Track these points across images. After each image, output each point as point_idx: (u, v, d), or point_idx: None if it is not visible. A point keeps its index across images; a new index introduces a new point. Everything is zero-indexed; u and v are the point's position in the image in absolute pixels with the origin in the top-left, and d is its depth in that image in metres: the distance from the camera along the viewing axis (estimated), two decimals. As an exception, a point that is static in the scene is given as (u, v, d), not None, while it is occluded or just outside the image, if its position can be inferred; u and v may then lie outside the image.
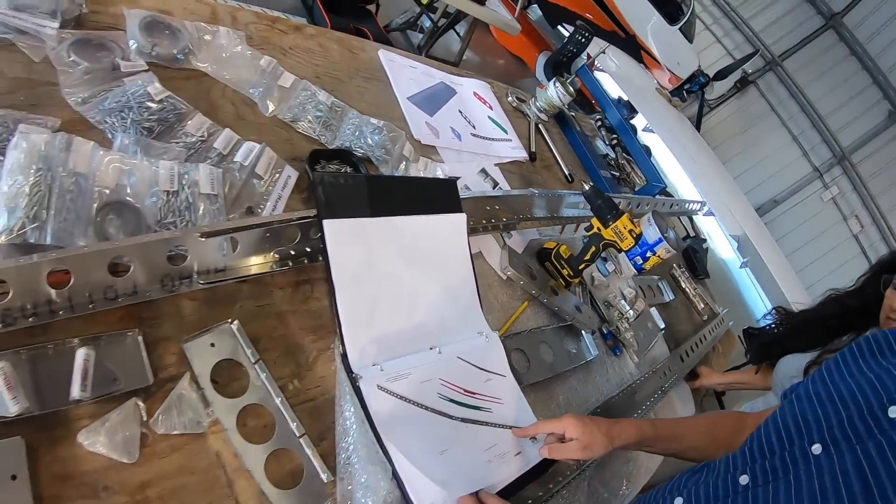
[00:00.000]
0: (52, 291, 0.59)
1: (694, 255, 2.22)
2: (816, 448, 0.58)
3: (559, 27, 3.94)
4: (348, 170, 1.09)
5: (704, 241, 2.50)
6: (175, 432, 0.62)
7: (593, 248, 1.24)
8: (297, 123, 1.10)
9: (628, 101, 2.63)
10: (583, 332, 1.27)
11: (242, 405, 0.68)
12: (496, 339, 1.00)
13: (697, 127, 5.01)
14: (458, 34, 3.48)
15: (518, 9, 3.42)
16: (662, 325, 1.53)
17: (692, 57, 4.96)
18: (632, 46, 4.33)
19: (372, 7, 2.95)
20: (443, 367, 0.89)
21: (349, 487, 0.69)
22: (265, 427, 0.69)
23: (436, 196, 1.05)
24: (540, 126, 1.92)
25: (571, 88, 1.89)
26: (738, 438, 0.76)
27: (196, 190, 0.81)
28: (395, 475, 0.71)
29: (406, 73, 1.54)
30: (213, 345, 0.70)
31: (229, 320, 0.73)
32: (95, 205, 0.68)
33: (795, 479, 0.58)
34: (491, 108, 1.77)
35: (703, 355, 1.69)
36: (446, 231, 1.03)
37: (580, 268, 1.27)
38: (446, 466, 0.77)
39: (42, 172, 0.64)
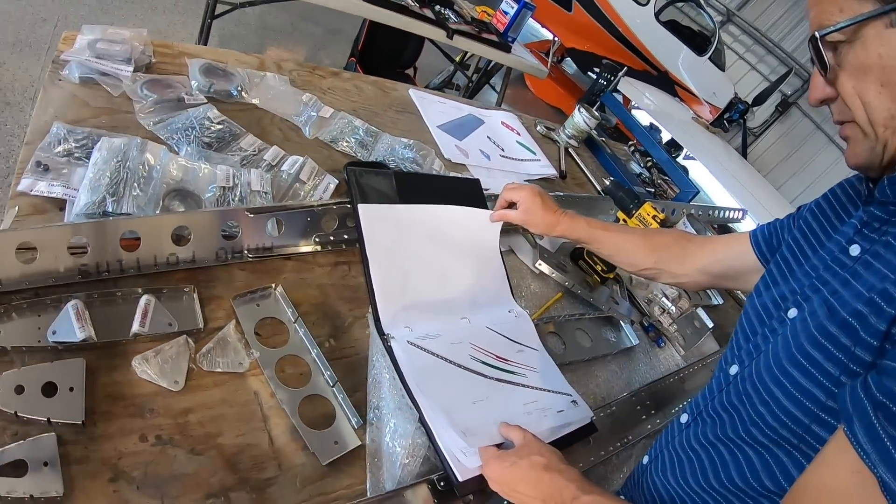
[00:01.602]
0: (124, 254, 0.71)
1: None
2: (792, 312, 0.59)
3: (590, 73, 4.09)
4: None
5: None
6: (218, 370, 0.69)
7: (623, 240, 1.26)
8: (337, 144, 1.24)
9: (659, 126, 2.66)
10: (622, 322, 1.26)
11: (281, 355, 0.75)
12: (526, 316, 1.03)
13: (744, 155, 4.91)
14: (494, 89, 3.69)
15: (550, 62, 3.62)
16: (711, 325, 1.48)
17: (727, 85, 4.94)
18: (665, 82, 4.39)
19: (410, 71, 3.20)
20: (473, 333, 0.92)
21: (378, 431, 0.73)
22: (301, 375, 0.75)
23: (461, 193, 1.12)
24: (570, 150, 1.99)
25: (596, 112, 1.97)
26: (679, 256, 0.94)
27: (248, 188, 0.94)
28: (423, 421, 0.73)
29: (435, 107, 1.67)
30: (258, 305, 0.78)
31: (274, 286, 0.82)
32: (163, 191, 0.81)
33: (774, 345, 0.58)
34: (519, 134, 1.86)
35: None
36: (473, 221, 1.09)
37: (613, 261, 1.28)
38: (479, 414, 0.77)
39: (121, 163, 0.78)
